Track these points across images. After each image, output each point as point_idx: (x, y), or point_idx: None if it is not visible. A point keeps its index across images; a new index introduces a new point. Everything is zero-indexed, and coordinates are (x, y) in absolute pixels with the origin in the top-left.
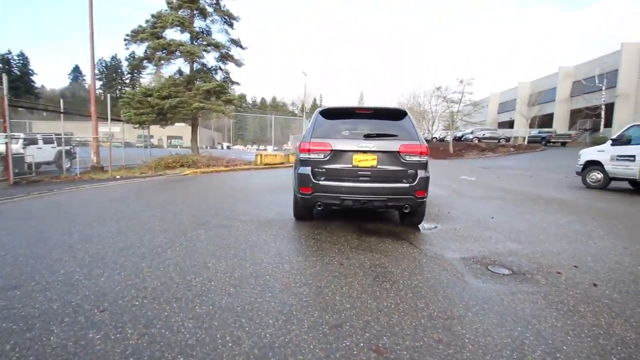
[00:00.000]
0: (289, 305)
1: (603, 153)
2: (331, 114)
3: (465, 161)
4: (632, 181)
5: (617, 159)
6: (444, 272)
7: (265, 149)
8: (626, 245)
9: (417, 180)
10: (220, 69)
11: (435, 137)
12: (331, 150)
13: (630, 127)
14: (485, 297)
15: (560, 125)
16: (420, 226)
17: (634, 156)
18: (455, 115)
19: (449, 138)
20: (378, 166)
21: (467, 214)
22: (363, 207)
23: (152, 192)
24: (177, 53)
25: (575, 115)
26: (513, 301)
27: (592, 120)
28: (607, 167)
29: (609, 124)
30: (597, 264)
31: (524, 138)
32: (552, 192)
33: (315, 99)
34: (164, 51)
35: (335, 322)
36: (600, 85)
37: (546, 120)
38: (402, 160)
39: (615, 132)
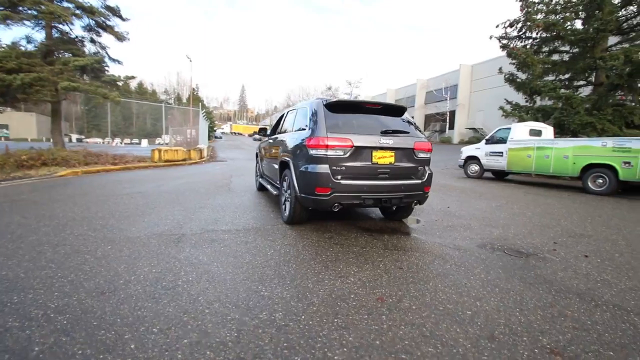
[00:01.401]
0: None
1: (479, 150)
2: (338, 106)
3: None
4: (495, 172)
5: (490, 155)
6: (482, 262)
7: (139, 143)
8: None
9: (426, 177)
10: (93, 41)
11: None
12: (353, 147)
13: (498, 130)
14: (538, 274)
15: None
16: (404, 220)
17: (502, 152)
18: None
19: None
20: (395, 163)
21: (422, 205)
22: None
23: (24, 208)
24: (30, 11)
25: (429, 119)
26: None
27: (440, 124)
28: (482, 161)
29: (452, 127)
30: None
31: None
32: (449, 181)
33: (195, 90)
34: (12, 7)
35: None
36: (446, 96)
37: None
38: (415, 157)
39: (456, 134)
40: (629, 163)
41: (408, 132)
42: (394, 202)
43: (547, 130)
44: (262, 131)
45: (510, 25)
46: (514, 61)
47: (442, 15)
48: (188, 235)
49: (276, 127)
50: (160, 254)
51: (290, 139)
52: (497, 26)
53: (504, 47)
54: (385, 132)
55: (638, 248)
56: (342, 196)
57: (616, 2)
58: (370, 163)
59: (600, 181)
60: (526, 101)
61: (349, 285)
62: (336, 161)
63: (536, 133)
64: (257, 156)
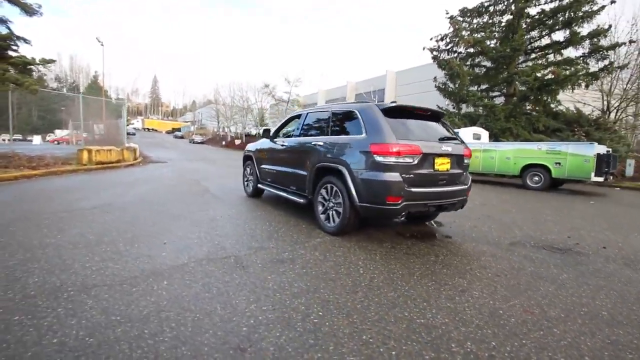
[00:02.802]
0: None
1: None
2: (393, 112)
3: None
4: None
5: None
6: (531, 262)
7: (29, 140)
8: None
9: (469, 182)
10: None
11: (259, 133)
12: (421, 154)
13: None
14: (581, 269)
15: None
16: (428, 223)
17: None
18: (285, 113)
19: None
20: (450, 170)
21: None
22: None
23: None
24: None
25: None
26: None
27: None
28: None
29: None
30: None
31: None
32: None
33: (96, 77)
34: None
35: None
36: (374, 99)
37: None
38: (463, 163)
39: None
40: (559, 163)
41: (457, 139)
42: (449, 207)
43: (484, 135)
44: (266, 133)
45: (441, 39)
46: (445, 71)
47: (374, 21)
48: (243, 258)
49: (281, 130)
50: (259, 279)
51: (338, 144)
52: (431, 39)
53: (434, 58)
54: (442, 139)
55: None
56: (411, 204)
57: (524, 27)
58: (432, 170)
59: (537, 179)
60: (453, 108)
61: (481, 300)
62: (406, 169)
63: (477, 137)
64: (248, 160)
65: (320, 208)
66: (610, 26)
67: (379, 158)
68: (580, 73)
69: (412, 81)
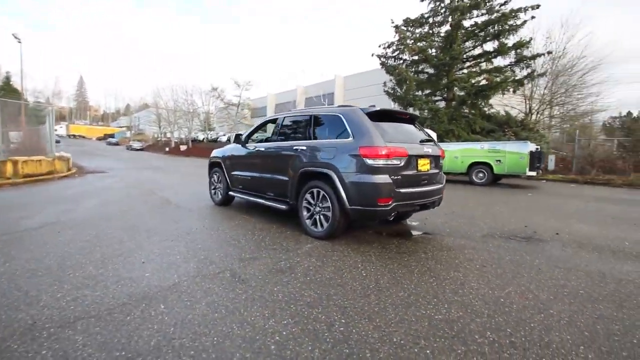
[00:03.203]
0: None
1: None
2: (376, 116)
3: None
4: None
5: None
6: (506, 251)
7: None
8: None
9: (444, 181)
10: None
11: (207, 138)
12: (407, 156)
13: None
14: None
15: None
16: (403, 222)
17: None
18: (236, 117)
19: (232, 139)
20: (430, 170)
21: None
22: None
23: None
24: None
25: None
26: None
27: None
28: None
29: None
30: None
31: None
32: None
33: (8, 78)
34: None
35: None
36: (324, 103)
37: None
38: (439, 163)
39: None
40: (499, 161)
41: (433, 141)
42: (430, 205)
43: (434, 136)
44: (237, 138)
45: (388, 47)
46: (393, 77)
47: (326, 22)
48: (238, 271)
49: (252, 135)
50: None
51: (323, 148)
52: (380, 46)
53: (382, 64)
54: (422, 141)
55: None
56: (400, 204)
57: (460, 38)
58: (416, 171)
59: (481, 175)
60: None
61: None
62: (394, 170)
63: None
64: (215, 166)
65: (305, 213)
66: (531, 39)
67: (369, 161)
68: (510, 80)
69: (359, 86)
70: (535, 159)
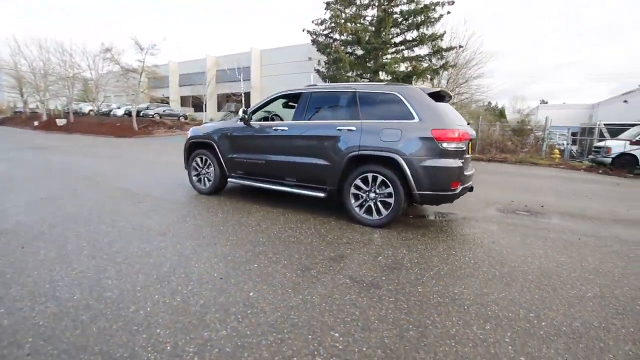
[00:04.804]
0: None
1: None
2: (434, 96)
3: (164, 139)
4: None
5: None
6: (520, 226)
7: None
8: None
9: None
10: None
11: (103, 111)
12: (470, 139)
13: None
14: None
15: (211, 108)
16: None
17: None
18: (139, 88)
19: (133, 113)
20: (469, 153)
21: None
22: None
23: None
24: None
25: (222, 98)
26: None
27: (235, 105)
28: None
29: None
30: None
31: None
32: None
33: None
34: None
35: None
36: (239, 77)
37: (199, 101)
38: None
39: None
40: None
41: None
42: (470, 190)
43: None
44: (244, 114)
45: (321, 24)
46: (325, 55)
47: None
48: (367, 280)
49: (257, 111)
50: None
51: (383, 130)
52: (312, 21)
53: (314, 41)
54: (468, 124)
55: None
56: (463, 188)
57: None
58: (468, 154)
59: None
60: None
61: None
62: (461, 154)
63: None
64: (200, 147)
65: (353, 201)
66: (444, 32)
67: (443, 144)
68: (432, 68)
69: (278, 61)
70: None
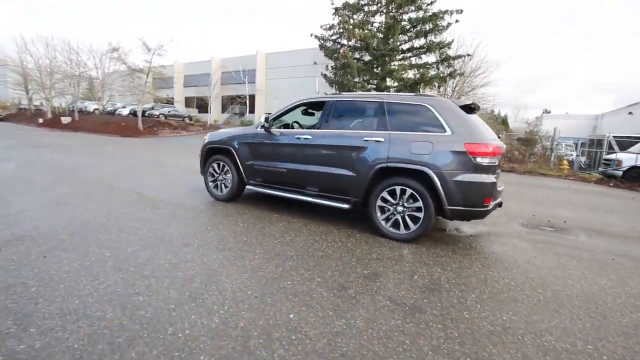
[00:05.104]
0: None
1: None
2: (464, 109)
3: (170, 140)
4: None
5: None
6: (544, 243)
7: None
8: None
9: None
10: None
11: (108, 110)
12: (502, 154)
13: None
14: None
15: (215, 109)
16: None
17: None
18: (145, 88)
19: (139, 113)
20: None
21: None
22: None
23: None
24: None
25: (227, 101)
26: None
27: (240, 107)
28: None
29: (252, 111)
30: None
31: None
32: None
33: None
34: None
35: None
36: (244, 79)
37: (204, 103)
38: None
39: (257, 118)
40: None
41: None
42: (500, 205)
43: None
44: (266, 121)
45: (330, 29)
46: (333, 60)
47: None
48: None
49: (279, 118)
50: None
51: (413, 142)
52: (321, 27)
53: (322, 46)
54: (497, 137)
55: None
56: (494, 204)
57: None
58: (499, 169)
59: None
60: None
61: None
62: (494, 169)
63: None
64: (217, 153)
65: (379, 214)
66: (452, 40)
67: (477, 159)
68: (439, 76)
69: (284, 65)
70: None
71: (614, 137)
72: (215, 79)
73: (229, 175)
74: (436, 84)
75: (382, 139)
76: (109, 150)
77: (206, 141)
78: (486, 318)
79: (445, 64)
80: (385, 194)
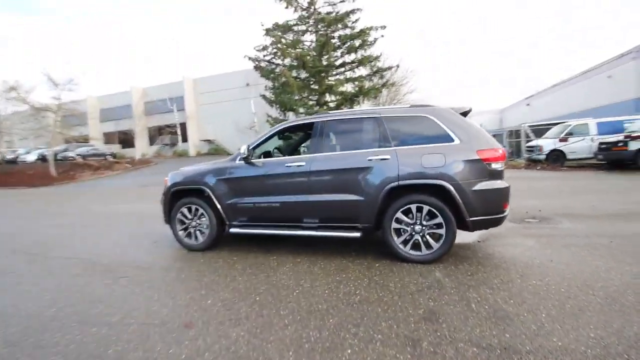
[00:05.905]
0: None
1: None
2: (463, 114)
3: (94, 183)
4: None
5: None
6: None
7: None
8: None
9: None
10: None
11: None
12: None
13: None
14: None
15: (142, 142)
16: None
17: None
18: (55, 127)
19: (50, 157)
20: None
21: None
22: None
23: None
24: None
25: (155, 131)
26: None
27: (171, 137)
28: None
29: (185, 139)
30: None
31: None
32: None
33: None
34: None
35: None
36: (172, 107)
37: (127, 137)
38: None
39: (191, 146)
40: None
41: None
42: None
43: None
44: (266, 152)
45: (263, 49)
46: (270, 80)
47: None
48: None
49: (258, 147)
50: None
51: (424, 155)
52: (254, 48)
53: (257, 67)
54: None
55: None
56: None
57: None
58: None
59: None
60: (279, 115)
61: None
62: (503, 172)
63: None
64: (187, 196)
65: (396, 238)
66: (381, 53)
67: (492, 165)
68: (375, 87)
69: (216, 89)
70: None
71: (529, 126)
72: (139, 109)
73: (204, 219)
74: (373, 95)
75: (387, 157)
76: (21, 206)
77: (169, 184)
78: (583, 342)
79: (378, 75)
80: (399, 214)
